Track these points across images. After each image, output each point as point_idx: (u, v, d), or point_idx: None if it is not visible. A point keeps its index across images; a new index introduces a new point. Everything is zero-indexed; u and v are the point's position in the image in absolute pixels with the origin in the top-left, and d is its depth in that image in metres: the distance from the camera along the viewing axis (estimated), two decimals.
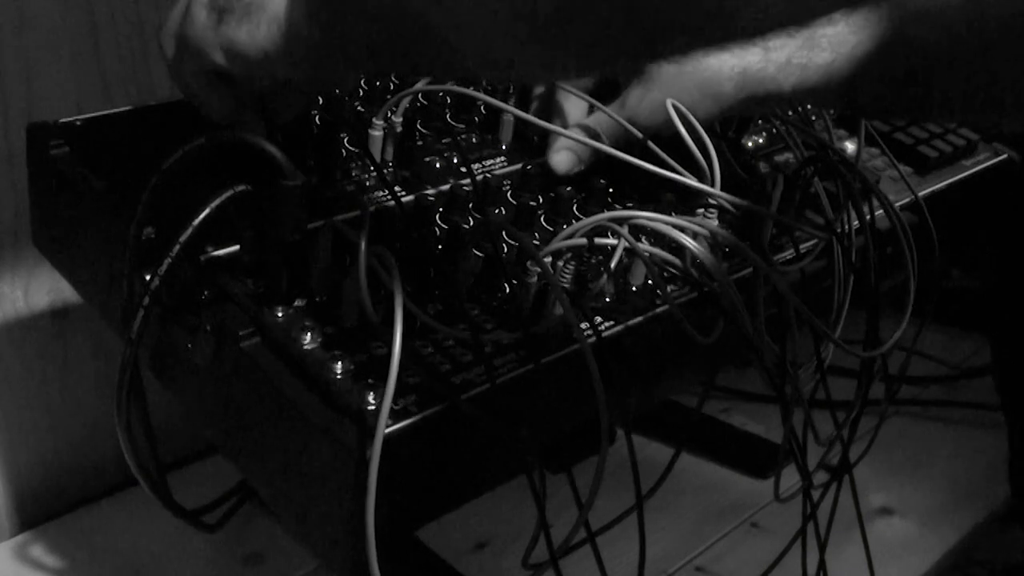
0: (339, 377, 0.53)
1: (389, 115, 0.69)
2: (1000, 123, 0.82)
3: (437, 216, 0.66)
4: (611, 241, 0.61)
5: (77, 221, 0.66)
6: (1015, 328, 0.96)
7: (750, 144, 0.81)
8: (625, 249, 0.61)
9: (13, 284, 0.81)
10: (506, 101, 0.74)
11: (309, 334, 0.55)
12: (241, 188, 0.57)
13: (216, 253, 0.58)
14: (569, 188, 0.70)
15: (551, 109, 0.75)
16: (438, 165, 0.70)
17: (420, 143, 0.72)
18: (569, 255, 0.60)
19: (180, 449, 0.90)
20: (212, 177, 0.57)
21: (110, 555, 0.83)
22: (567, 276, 0.59)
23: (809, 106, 0.85)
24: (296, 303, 0.57)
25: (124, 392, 0.59)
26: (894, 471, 0.99)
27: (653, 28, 0.42)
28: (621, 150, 0.69)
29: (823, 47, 0.67)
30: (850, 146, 0.84)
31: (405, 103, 0.70)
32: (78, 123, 0.67)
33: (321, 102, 0.73)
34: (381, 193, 0.67)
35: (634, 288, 0.64)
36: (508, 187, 0.70)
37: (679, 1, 0.41)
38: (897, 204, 0.79)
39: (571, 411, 0.58)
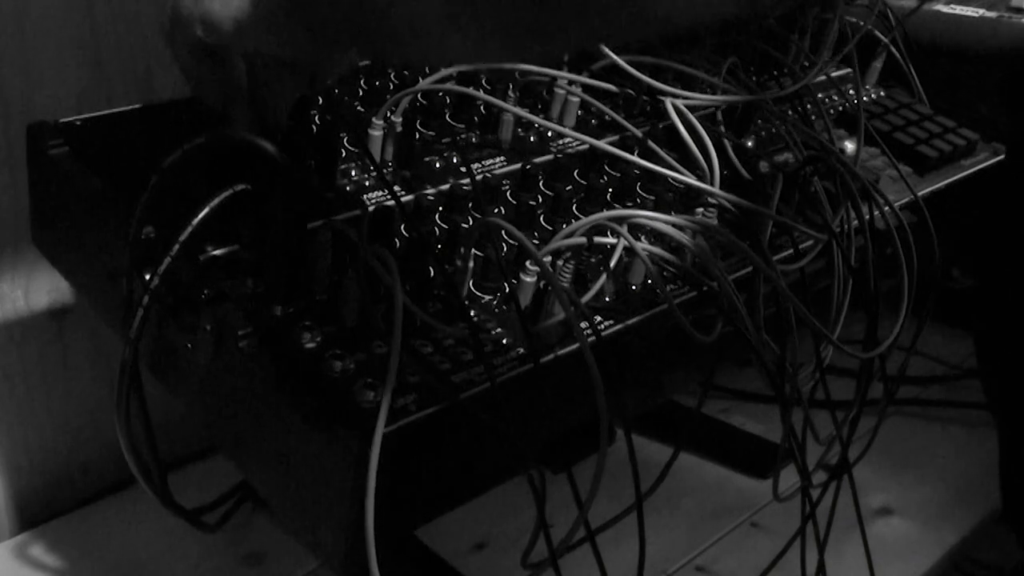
0: (338, 376, 0.53)
1: (389, 115, 0.69)
2: None
3: (437, 216, 0.66)
4: (611, 240, 0.61)
5: (77, 221, 0.66)
6: (1000, 328, 0.96)
7: (750, 144, 0.81)
8: (625, 248, 0.61)
9: (13, 284, 0.81)
10: (506, 101, 0.74)
11: (308, 333, 0.55)
12: (240, 188, 0.57)
13: (216, 253, 0.58)
14: (569, 187, 0.71)
15: None
16: (438, 165, 0.70)
17: (420, 143, 0.72)
18: (569, 254, 0.60)
19: (180, 449, 0.90)
20: (212, 177, 0.57)
21: (110, 555, 0.83)
22: (567, 275, 0.59)
23: None
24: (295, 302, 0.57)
25: (124, 392, 0.59)
26: (894, 471, 0.99)
27: (567, 14, 0.43)
28: None
29: None
30: (850, 146, 0.84)
31: (405, 103, 0.70)
32: (78, 123, 0.67)
33: (321, 102, 0.73)
34: (381, 193, 0.67)
35: (634, 287, 0.64)
36: (508, 187, 0.70)
37: None
38: (897, 204, 0.79)
39: (571, 411, 0.58)
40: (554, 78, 0.77)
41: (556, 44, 0.52)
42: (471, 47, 0.48)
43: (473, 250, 0.62)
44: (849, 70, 0.93)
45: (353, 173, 0.68)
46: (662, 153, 0.74)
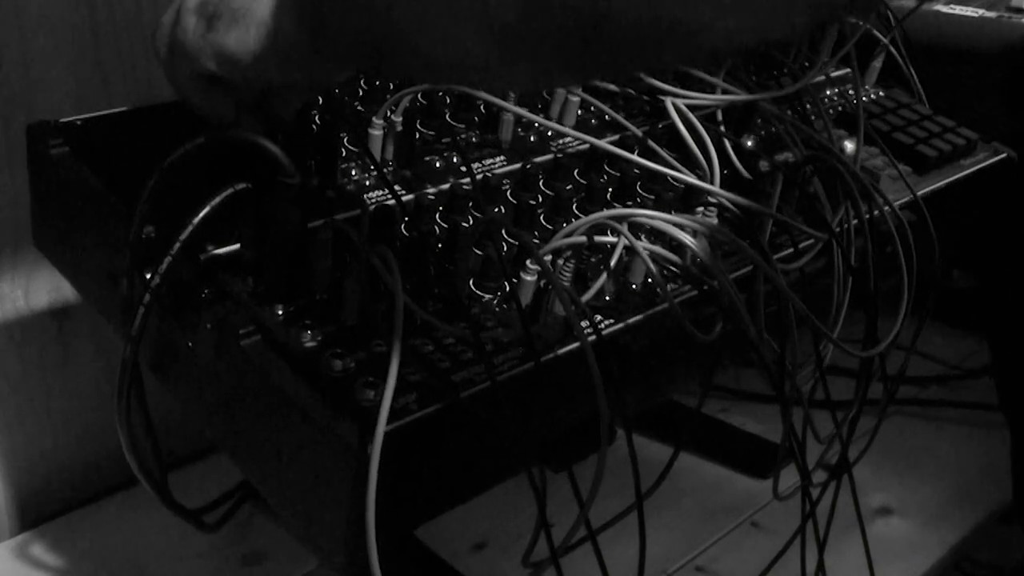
0: (339, 375, 0.53)
1: (389, 114, 0.69)
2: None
3: (437, 215, 0.66)
4: (611, 239, 0.61)
5: (77, 221, 0.66)
6: (1014, 327, 0.96)
7: (750, 143, 0.81)
8: (625, 247, 0.61)
9: (13, 284, 0.81)
10: (506, 101, 0.74)
11: (309, 332, 0.55)
12: (241, 187, 0.57)
13: (216, 252, 0.58)
14: (569, 187, 0.71)
15: None
16: (438, 164, 0.70)
17: (420, 142, 0.72)
18: (569, 253, 0.60)
19: (180, 449, 0.90)
20: (212, 176, 0.57)
21: (110, 555, 0.83)
22: (567, 274, 0.59)
23: None
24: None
25: (124, 391, 0.59)
26: (894, 471, 0.99)
27: (617, 45, 0.42)
28: None
29: None
30: (849, 146, 0.84)
31: (405, 102, 0.70)
32: (78, 123, 0.67)
33: (321, 102, 0.73)
34: (381, 192, 0.67)
35: (634, 286, 0.64)
36: (508, 186, 0.70)
37: (643, 19, 0.41)
38: (897, 204, 0.79)
39: (571, 410, 0.58)
40: None
41: (606, 72, 0.51)
42: (520, 78, 0.47)
43: (473, 249, 0.62)
44: (849, 70, 0.93)
45: (353, 173, 0.68)
46: (662, 153, 0.74)
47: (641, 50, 0.43)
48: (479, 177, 0.69)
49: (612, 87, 0.79)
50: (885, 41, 0.96)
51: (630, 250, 0.62)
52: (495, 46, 0.44)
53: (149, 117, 0.71)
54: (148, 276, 0.56)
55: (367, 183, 0.68)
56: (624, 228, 0.61)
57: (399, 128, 0.70)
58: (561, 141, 0.76)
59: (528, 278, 0.58)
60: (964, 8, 1.08)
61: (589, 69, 0.48)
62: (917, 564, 0.90)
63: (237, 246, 0.58)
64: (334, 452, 0.50)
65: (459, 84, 0.70)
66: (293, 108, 0.65)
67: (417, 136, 0.72)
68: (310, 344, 0.54)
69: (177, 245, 0.56)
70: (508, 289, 0.60)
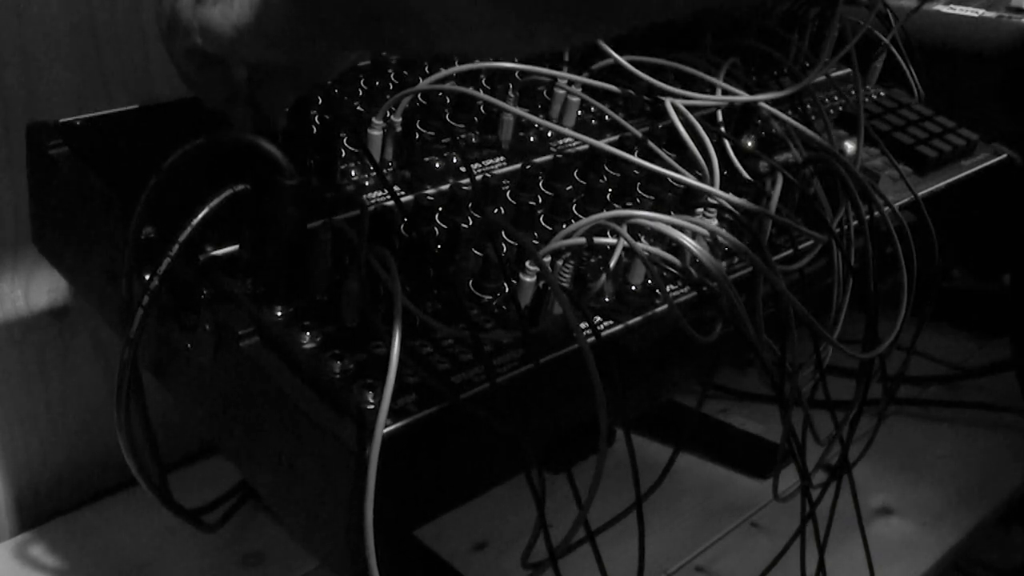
0: (338, 376, 0.53)
1: (388, 115, 0.69)
2: None
3: (437, 216, 0.66)
4: (610, 240, 0.61)
5: (77, 221, 0.66)
6: None
7: (749, 144, 0.81)
8: (624, 249, 0.61)
9: (13, 284, 0.81)
10: (506, 101, 0.74)
11: (308, 334, 0.55)
12: (240, 188, 0.57)
13: (216, 253, 0.58)
14: (569, 187, 0.71)
15: None
16: (438, 165, 0.70)
17: (420, 143, 0.72)
18: (568, 255, 0.60)
19: (180, 449, 0.90)
20: (211, 177, 0.57)
21: (110, 555, 0.83)
22: (566, 276, 0.59)
23: None
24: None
25: (124, 392, 0.59)
26: (894, 471, 0.99)
27: None
28: None
29: None
30: (850, 146, 0.84)
31: (405, 103, 0.70)
32: (78, 123, 0.67)
33: (321, 102, 0.73)
34: (381, 193, 0.67)
35: (633, 288, 0.64)
36: (507, 187, 0.70)
37: None
38: (897, 204, 0.79)
39: (570, 411, 0.58)
40: (554, 78, 0.77)
41: (605, 24, 0.51)
42: (513, 36, 0.47)
43: (473, 250, 0.62)
44: (849, 70, 0.93)
45: (353, 173, 0.68)
46: (662, 153, 0.74)
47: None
48: (479, 178, 0.69)
49: (612, 88, 0.79)
50: (885, 41, 0.96)
51: (629, 251, 0.62)
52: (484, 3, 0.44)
53: (149, 117, 0.71)
54: (147, 277, 0.56)
55: (366, 184, 0.68)
56: (623, 229, 0.61)
57: (399, 128, 0.70)
58: (561, 142, 0.76)
59: (527, 279, 0.58)
60: (964, 8, 1.08)
61: (577, 23, 0.48)
62: (917, 564, 0.90)
63: (236, 247, 0.58)
64: (333, 454, 0.50)
65: (449, 48, 0.69)
66: (284, 103, 0.65)
67: (417, 137, 0.72)
68: (309, 345, 0.54)
69: (176, 246, 0.56)
70: (507, 290, 0.60)
